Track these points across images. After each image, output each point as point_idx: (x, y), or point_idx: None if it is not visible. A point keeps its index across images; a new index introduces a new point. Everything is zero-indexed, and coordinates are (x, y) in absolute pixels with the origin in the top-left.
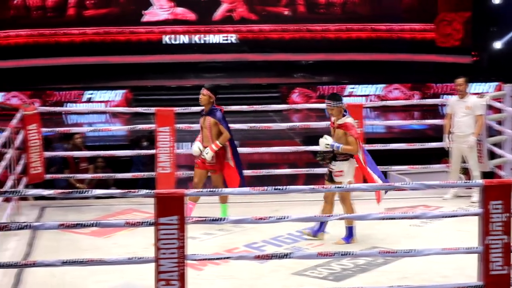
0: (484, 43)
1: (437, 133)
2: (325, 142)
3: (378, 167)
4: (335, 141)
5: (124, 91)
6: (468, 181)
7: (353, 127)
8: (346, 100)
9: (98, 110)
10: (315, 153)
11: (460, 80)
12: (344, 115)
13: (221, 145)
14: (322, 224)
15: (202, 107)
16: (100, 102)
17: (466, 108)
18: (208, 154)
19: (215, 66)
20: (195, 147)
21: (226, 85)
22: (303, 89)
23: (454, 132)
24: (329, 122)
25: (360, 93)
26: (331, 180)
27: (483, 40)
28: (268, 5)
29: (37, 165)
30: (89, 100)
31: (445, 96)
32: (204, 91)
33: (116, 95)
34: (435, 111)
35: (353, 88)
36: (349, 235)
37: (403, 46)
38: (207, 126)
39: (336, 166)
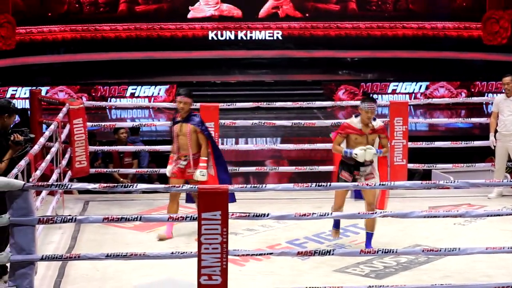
0: None
1: (482, 132)
2: (373, 152)
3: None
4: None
5: (167, 86)
6: None
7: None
8: (389, 98)
9: (143, 105)
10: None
11: (507, 79)
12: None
13: (206, 159)
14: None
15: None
16: (144, 97)
17: None
18: (204, 176)
19: (260, 62)
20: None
21: (270, 81)
22: (349, 86)
23: (500, 130)
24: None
25: (403, 91)
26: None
27: None
28: (318, 2)
29: (82, 159)
30: (132, 95)
31: (489, 94)
32: (184, 98)
33: (160, 90)
34: (479, 110)
35: (396, 85)
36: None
37: (449, 44)
38: (186, 133)
39: (368, 169)
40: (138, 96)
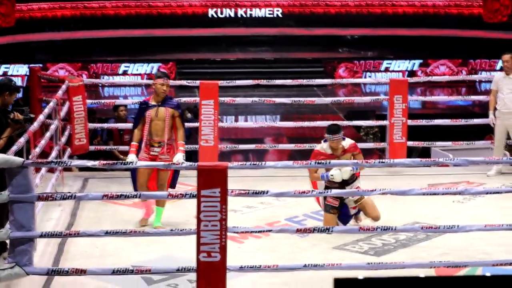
0: None
1: (482, 110)
2: (349, 169)
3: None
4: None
5: (159, 64)
6: None
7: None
8: (384, 76)
9: (143, 83)
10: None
11: (507, 56)
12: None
13: (185, 143)
14: None
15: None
16: (136, 75)
17: None
18: (182, 159)
19: (260, 40)
20: (132, 159)
21: (270, 59)
22: (350, 64)
23: (499, 108)
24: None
25: (397, 69)
26: (345, 207)
27: None
28: None
29: (82, 137)
30: (125, 73)
31: (483, 72)
32: (167, 81)
33: (153, 68)
34: (473, 87)
35: (389, 63)
36: None
37: (450, 22)
38: (164, 118)
39: (354, 185)
40: (131, 74)
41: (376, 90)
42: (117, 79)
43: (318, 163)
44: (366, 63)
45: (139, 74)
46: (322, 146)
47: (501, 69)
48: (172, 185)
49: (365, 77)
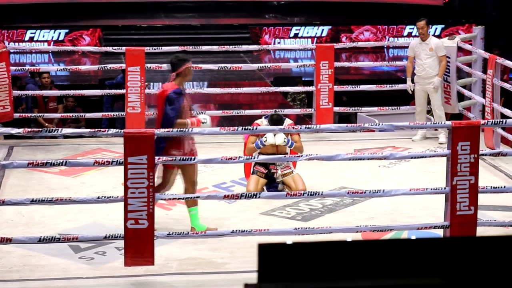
0: None
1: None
2: (283, 136)
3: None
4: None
5: (66, 30)
6: (436, 122)
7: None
8: (291, 42)
9: (68, 49)
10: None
11: (422, 23)
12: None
13: None
14: None
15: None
16: (43, 41)
17: (429, 50)
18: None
19: (185, 6)
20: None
21: (197, 25)
22: (276, 30)
23: (418, 74)
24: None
25: (305, 35)
26: (272, 180)
27: None
28: None
29: (6, 104)
30: (31, 40)
31: (390, 38)
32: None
33: (60, 35)
34: (382, 53)
35: (298, 29)
36: None
37: None
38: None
39: (284, 163)
40: (37, 41)
41: (285, 56)
42: (22, 45)
43: (245, 129)
44: (275, 29)
45: (46, 41)
46: (262, 121)
47: (409, 35)
48: None
49: (274, 44)
